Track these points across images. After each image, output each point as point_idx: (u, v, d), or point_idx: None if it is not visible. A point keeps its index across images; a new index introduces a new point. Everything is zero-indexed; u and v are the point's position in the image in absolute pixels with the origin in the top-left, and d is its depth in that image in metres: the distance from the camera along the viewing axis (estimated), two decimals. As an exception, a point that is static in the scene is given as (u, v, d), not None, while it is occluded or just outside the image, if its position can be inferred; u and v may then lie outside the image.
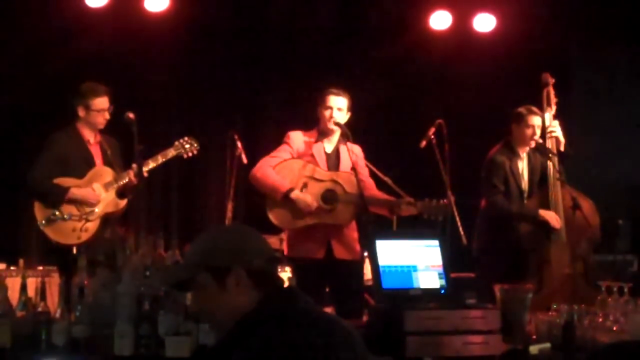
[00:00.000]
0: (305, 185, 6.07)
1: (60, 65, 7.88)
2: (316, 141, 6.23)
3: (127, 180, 6.19)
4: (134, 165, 6.07)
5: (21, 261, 6.81)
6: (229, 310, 2.77)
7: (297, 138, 6.23)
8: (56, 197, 6.08)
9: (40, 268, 6.68)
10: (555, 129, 6.75)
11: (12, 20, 7.76)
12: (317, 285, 6.07)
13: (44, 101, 8.03)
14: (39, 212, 6.09)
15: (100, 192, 6.14)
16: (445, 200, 6.05)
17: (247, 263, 2.78)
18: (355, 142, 6.25)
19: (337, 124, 6.10)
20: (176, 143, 6.48)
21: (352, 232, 6.17)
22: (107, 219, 6.19)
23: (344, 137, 6.14)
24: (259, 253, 2.83)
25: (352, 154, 6.09)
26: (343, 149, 6.19)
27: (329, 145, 6.25)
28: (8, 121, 8.01)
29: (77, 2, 7.73)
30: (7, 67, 7.77)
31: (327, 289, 6.29)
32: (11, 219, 7.97)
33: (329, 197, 6.06)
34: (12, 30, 7.77)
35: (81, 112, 6.21)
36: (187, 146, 6.51)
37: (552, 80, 6.86)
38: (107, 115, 6.23)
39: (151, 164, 6.27)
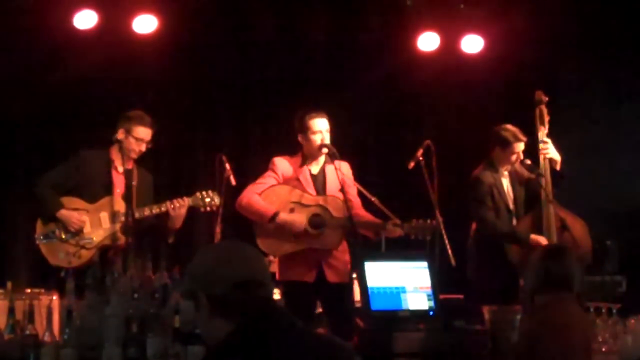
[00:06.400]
0: (292, 211, 6.05)
1: (49, 87, 7.87)
2: (301, 165, 6.21)
3: (140, 215, 5.91)
4: (169, 204, 6.02)
5: (9, 284, 6.75)
6: (207, 333, 2.75)
7: (282, 164, 6.21)
8: (48, 209, 6.00)
9: (29, 291, 6.62)
10: (549, 149, 6.70)
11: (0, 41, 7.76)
12: (308, 308, 6.07)
13: (33, 123, 8.01)
14: (40, 226, 6.03)
15: (104, 221, 6.00)
16: (432, 220, 6.04)
17: (208, 289, 2.70)
18: (342, 160, 6.24)
19: (325, 146, 6.10)
20: (197, 194, 6.13)
21: (344, 255, 6.14)
22: (105, 250, 6.00)
23: (331, 157, 6.11)
24: (224, 279, 2.69)
25: (340, 173, 6.07)
26: (330, 169, 6.18)
27: (315, 167, 6.24)
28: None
29: (66, 24, 7.72)
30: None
31: (319, 311, 6.28)
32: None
33: (316, 222, 6.04)
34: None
35: (120, 135, 6.10)
36: (208, 200, 6.13)
37: (545, 99, 6.83)
38: (143, 148, 6.13)
39: (163, 209, 6.02)
